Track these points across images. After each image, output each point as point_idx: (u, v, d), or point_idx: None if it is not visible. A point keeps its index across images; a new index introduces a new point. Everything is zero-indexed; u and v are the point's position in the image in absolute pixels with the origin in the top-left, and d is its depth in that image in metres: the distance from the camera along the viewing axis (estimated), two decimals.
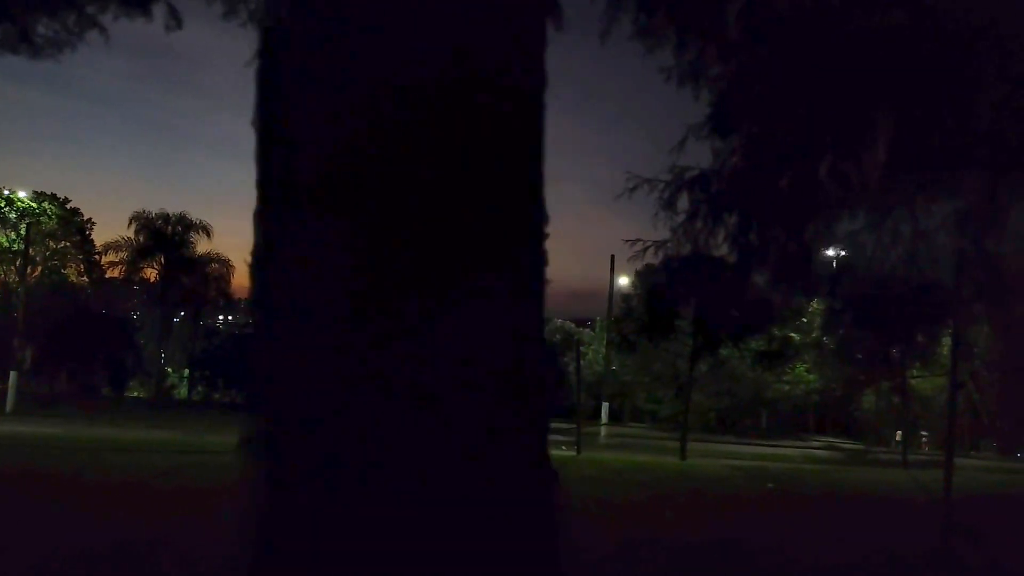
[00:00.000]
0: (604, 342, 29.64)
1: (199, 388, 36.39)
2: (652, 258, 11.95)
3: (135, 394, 37.00)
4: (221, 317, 46.85)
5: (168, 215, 32.92)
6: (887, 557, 7.17)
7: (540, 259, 1.83)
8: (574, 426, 19.91)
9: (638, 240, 12.04)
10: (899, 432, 28.26)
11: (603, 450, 21.21)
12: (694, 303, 14.53)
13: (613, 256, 27.41)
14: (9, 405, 23.77)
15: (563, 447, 19.57)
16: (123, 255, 32.61)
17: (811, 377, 34.55)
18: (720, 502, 11.54)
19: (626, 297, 26.94)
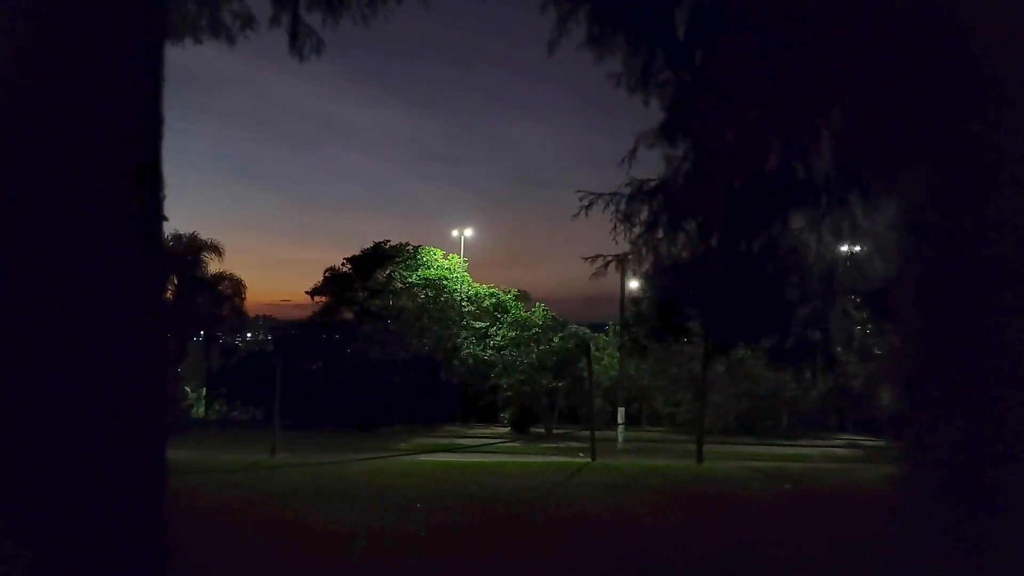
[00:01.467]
0: (619, 346, 29.46)
1: (215, 407, 36.61)
2: (614, 272, 11.52)
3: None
4: (240, 336, 47.19)
5: (180, 235, 33.24)
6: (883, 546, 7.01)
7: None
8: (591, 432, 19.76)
9: (598, 256, 11.61)
10: None
11: (620, 455, 21.06)
12: (701, 306, 14.35)
13: (622, 258, 27.24)
14: None
15: (580, 454, 19.44)
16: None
17: (829, 376, 34.15)
18: (734, 503, 11.38)
19: (636, 300, 26.75)
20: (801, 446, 27.74)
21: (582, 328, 31.15)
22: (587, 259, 11.75)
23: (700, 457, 18.50)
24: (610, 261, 10.81)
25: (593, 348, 31.14)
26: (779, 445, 27.72)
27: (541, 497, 12.33)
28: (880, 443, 29.71)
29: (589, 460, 18.71)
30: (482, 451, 21.75)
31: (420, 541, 8.53)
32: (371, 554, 7.98)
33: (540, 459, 19.41)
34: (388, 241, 33.44)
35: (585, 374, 25.01)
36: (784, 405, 35.05)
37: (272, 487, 13.34)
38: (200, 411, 37.99)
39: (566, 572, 7.14)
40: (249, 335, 48.90)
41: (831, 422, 36.26)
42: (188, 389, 41.05)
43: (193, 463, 15.76)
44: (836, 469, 18.01)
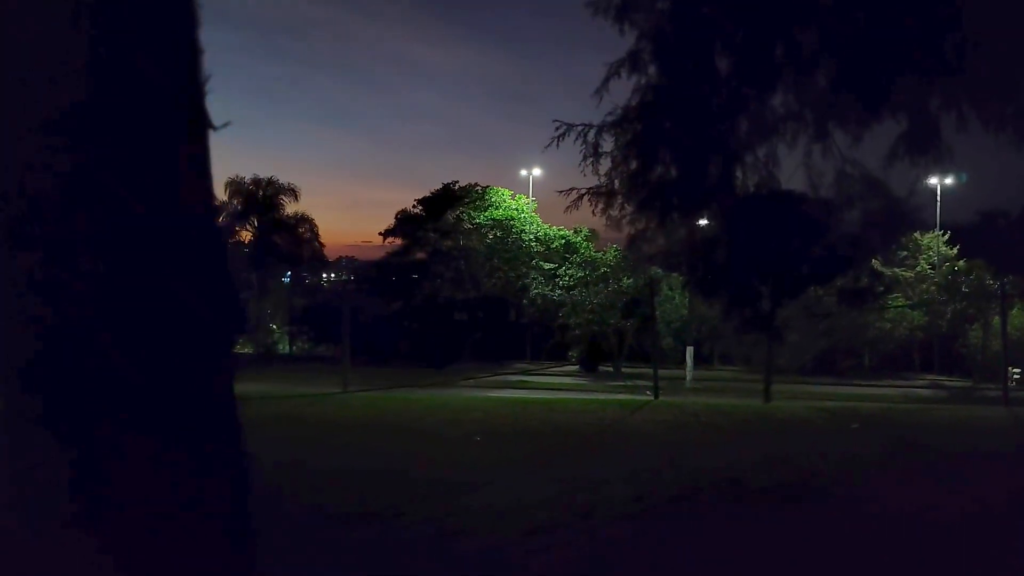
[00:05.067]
0: (683, 285, 28.93)
1: (298, 343, 38.45)
2: (592, 206, 11.03)
3: (246, 350, 39.53)
4: (325, 275, 49.06)
5: (259, 179, 34.45)
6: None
7: None
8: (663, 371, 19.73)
9: (572, 189, 11.11)
10: (1015, 369, 26.37)
11: (686, 394, 20.93)
12: (769, 245, 13.82)
13: (595, 191, 26.43)
14: None
15: (647, 392, 19.45)
16: (219, 219, 34.53)
17: (915, 314, 32.64)
18: (785, 435, 11.20)
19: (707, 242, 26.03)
20: (882, 386, 26.83)
21: (654, 268, 30.63)
22: (561, 192, 11.53)
23: (768, 397, 18.17)
24: (583, 194, 10.53)
25: (666, 287, 30.69)
26: (858, 385, 26.89)
27: (597, 432, 12.47)
28: (965, 383, 28.40)
29: (652, 398, 18.70)
30: (548, 388, 22.06)
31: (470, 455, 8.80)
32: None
33: (604, 396, 19.54)
34: (457, 182, 33.59)
35: (656, 313, 24.82)
36: (866, 345, 33.83)
37: (338, 417, 14.01)
38: (284, 347, 39.95)
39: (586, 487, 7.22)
40: (333, 275, 50.81)
41: (916, 362, 34.82)
42: (273, 327, 43.14)
43: (270, 393, 16.66)
44: (912, 409, 17.37)
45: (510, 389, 21.08)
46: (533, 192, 38.98)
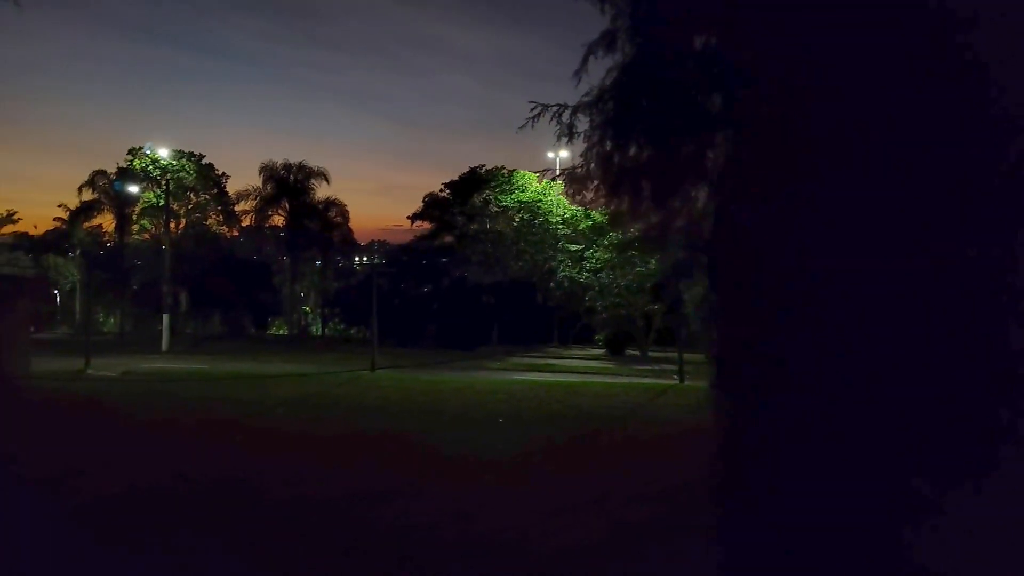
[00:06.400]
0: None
1: (331, 324, 39.15)
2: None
3: (280, 331, 40.36)
4: (358, 259, 49.75)
5: (290, 164, 34.95)
6: None
7: None
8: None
9: (547, 170, 11.09)
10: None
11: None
12: None
13: (571, 172, 26.16)
14: (164, 344, 26.76)
15: (674, 376, 19.53)
16: (252, 203, 35.19)
17: None
18: None
19: None
20: None
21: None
22: (538, 172, 11.57)
23: None
24: (560, 174, 10.53)
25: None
26: None
27: (619, 417, 12.64)
28: None
29: (677, 382, 18.79)
30: (573, 372, 22.25)
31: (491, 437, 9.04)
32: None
33: (628, 380, 19.66)
34: (483, 166, 33.69)
35: (683, 296, 24.75)
36: None
37: (365, 399, 14.36)
38: (317, 329, 40.70)
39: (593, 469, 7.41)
40: (365, 259, 51.50)
41: None
42: (306, 308, 43.93)
43: (299, 372, 17.11)
44: None
45: (536, 372, 21.31)
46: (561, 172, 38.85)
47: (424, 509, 6.18)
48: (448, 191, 34.82)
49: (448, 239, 34.44)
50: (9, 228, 40.35)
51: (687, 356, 19.75)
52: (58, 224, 37.41)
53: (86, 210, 34.85)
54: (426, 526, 5.63)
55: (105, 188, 34.27)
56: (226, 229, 37.60)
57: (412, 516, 5.98)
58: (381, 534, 5.45)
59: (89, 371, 18.66)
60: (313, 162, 35.15)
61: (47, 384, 14.56)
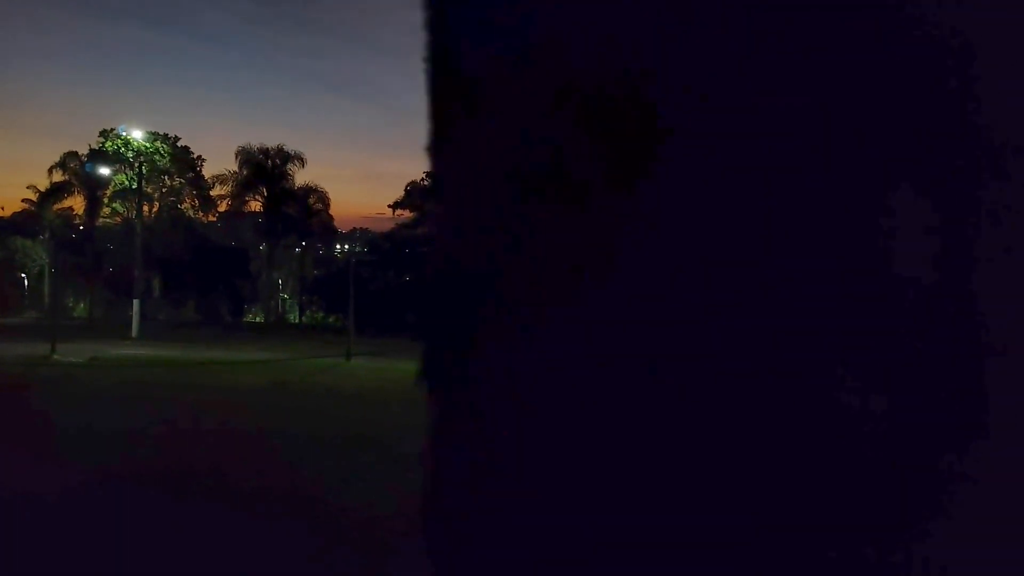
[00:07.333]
0: None
1: (308, 312, 38.60)
2: None
3: (256, 319, 39.70)
4: (338, 247, 49.18)
5: (267, 148, 34.34)
6: None
7: None
8: None
9: None
10: None
11: None
12: None
13: None
14: (135, 330, 26.07)
15: None
16: (228, 188, 34.58)
17: None
18: None
19: None
20: None
21: None
22: None
23: None
24: None
25: None
26: None
27: None
28: None
29: None
30: None
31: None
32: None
33: None
34: None
35: None
36: None
37: (343, 386, 14.00)
38: (294, 316, 40.14)
39: None
40: (346, 247, 50.89)
41: None
42: (285, 296, 43.37)
43: (276, 360, 16.71)
44: None
45: None
46: None
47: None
48: (429, 179, 34.50)
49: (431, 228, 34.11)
50: None
51: None
52: (27, 206, 36.51)
53: (56, 192, 34.01)
54: None
55: (75, 170, 33.45)
56: (202, 214, 36.90)
57: None
58: None
59: (55, 356, 18.06)
60: (292, 147, 34.65)
61: (8, 369, 14.00)
